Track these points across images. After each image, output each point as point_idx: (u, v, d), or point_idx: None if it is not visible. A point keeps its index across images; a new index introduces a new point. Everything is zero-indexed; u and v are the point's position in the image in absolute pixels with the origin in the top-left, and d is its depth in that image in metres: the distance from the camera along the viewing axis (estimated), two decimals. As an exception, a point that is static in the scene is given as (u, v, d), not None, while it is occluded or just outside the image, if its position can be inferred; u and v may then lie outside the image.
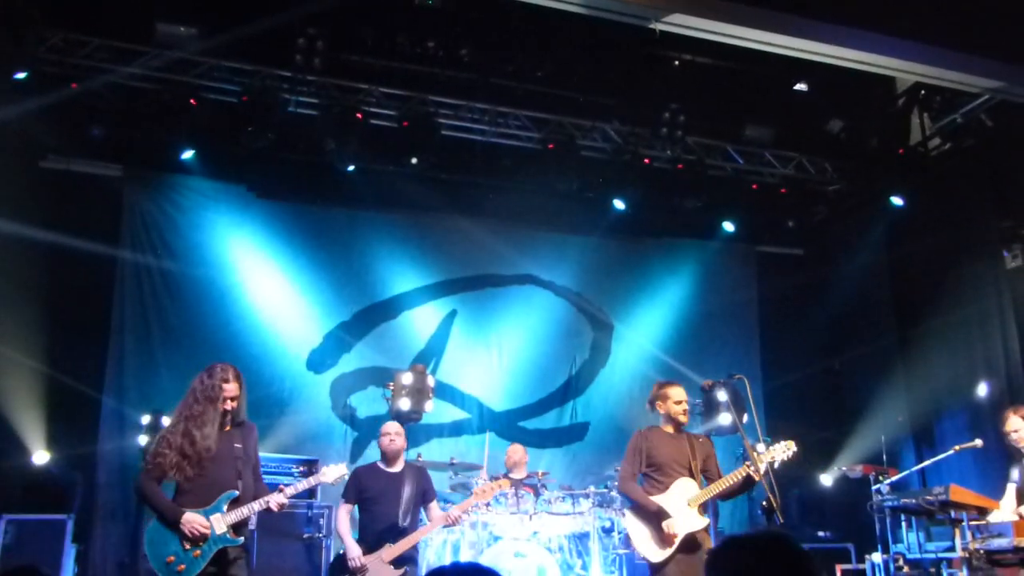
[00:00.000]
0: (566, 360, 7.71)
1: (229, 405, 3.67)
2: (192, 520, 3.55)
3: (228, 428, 3.72)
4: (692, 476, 3.95)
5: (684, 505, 3.87)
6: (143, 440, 5.79)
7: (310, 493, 5.84)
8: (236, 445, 3.71)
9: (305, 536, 5.62)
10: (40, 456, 6.05)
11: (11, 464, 5.85)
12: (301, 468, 5.93)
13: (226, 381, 3.65)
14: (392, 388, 6.44)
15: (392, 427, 4.89)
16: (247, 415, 3.82)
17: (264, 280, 7.06)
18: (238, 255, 6.98)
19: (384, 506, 4.63)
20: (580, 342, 7.76)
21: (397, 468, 4.79)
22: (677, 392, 4.14)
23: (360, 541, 4.53)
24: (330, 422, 7.16)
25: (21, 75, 5.57)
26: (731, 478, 3.89)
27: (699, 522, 3.88)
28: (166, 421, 4.05)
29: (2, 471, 5.77)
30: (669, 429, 4.11)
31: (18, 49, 5.55)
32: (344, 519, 4.69)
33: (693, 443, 4.07)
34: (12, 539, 5.19)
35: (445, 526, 4.59)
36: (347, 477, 4.55)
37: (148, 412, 5.87)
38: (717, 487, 3.91)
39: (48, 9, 5.70)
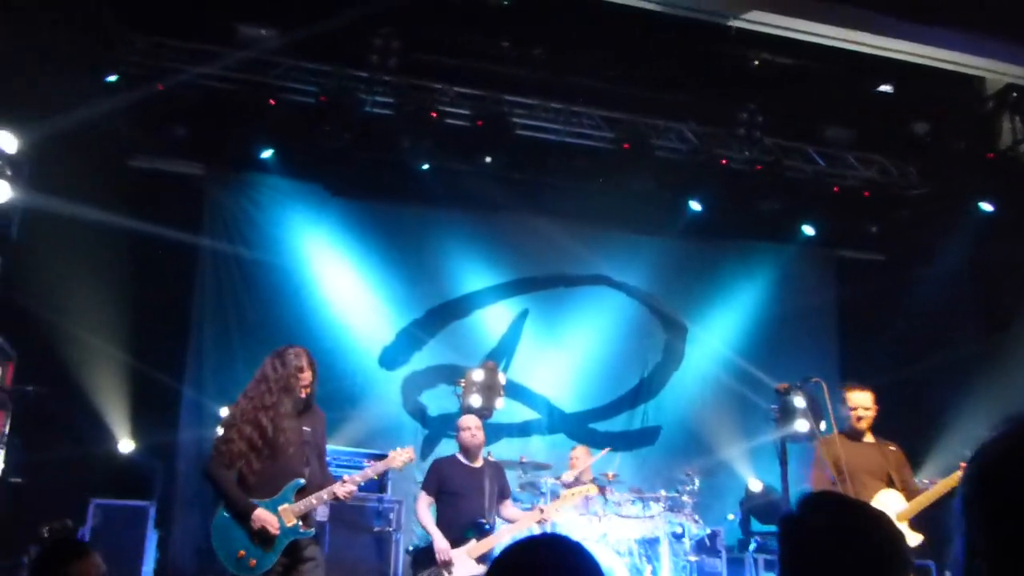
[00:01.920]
0: (638, 362, 8.00)
1: (304, 393, 3.76)
2: (264, 518, 3.60)
3: (299, 414, 3.78)
4: (891, 487, 4.01)
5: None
6: (220, 431, 5.76)
7: (380, 486, 6.06)
8: (305, 429, 3.76)
9: (376, 530, 5.84)
10: (125, 444, 6.46)
11: (98, 451, 6.23)
12: (371, 462, 5.85)
13: (301, 370, 3.71)
14: (463, 385, 6.73)
15: (472, 421, 5.10)
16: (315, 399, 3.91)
17: (338, 277, 7.37)
18: (314, 252, 7.29)
19: (468, 501, 4.83)
20: (653, 344, 8.04)
21: (478, 463, 4.99)
22: (854, 397, 4.21)
23: (445, 532, 4.74)
24: (400, 419, 7.48)
25: (112, 78, 6.07)
26: (944, 486, 3.83)
27: (915, 539, 3.85)
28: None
29: (91, 457, 6.12)
30: (860, 434, 4.10)
31: (108, 53, 6.05)
32: (426, 510, 4.88)
33: (885, 452, 4.09)
34: (100, 522, 5.56)
35: (537, 523, 4.80)
36: (416, 462, 4.70)
37: (225, 404, 5.68)
38: (928, 498, 3.86)
39: (135, 14, 6.14)
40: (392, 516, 6.01)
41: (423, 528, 4.98)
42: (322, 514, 5.48)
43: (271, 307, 7.18)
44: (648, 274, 8.00)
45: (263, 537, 3.61)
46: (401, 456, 4.10)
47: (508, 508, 5.04)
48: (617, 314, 7.99)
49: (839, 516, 1.29)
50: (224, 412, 5.91)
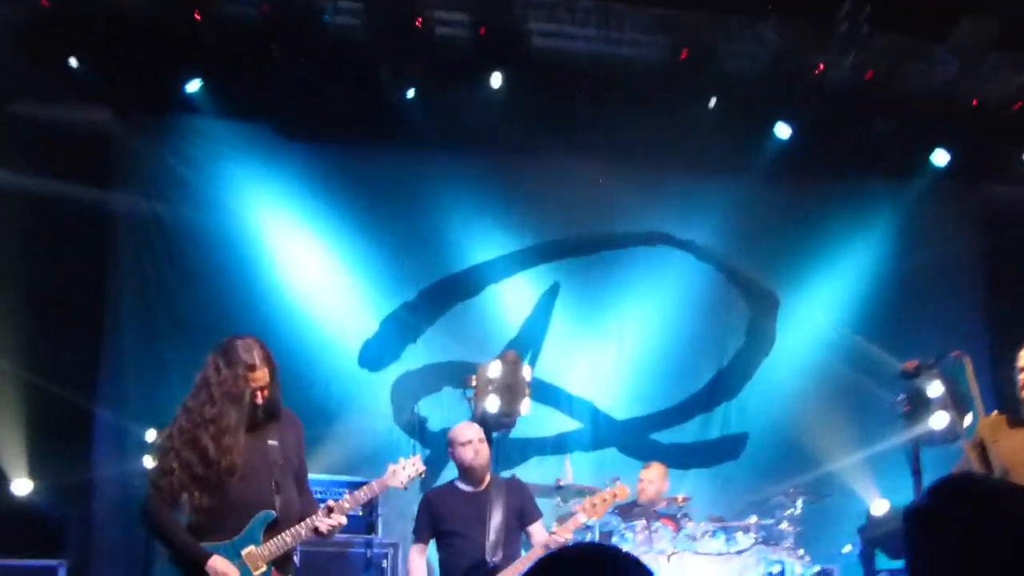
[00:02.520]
0: (713, 349, 7.81)
1: (260, 398, 3.76)
2: (221, 570, 3.63)
3: (258, 425, 3.80)
4: None
5: None
6: (149, 463, 5.58)
7: (368, 525, 6.15)
8: (270, 443, 3.79)
9: None
10: (21, 485, 6.48)
11: (-15, 495, 6.26)
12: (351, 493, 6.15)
13: (252, 367, 3.70)
14: (475, 385, 6.69)
15: (470, 430, 5.08)
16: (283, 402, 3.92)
17: (299, 249, 7.26)
18: (264, 217, 7.15)
19: (467, 539, 4.89)
20: (732, 323, 7.84)
21: (482, 486, 5.04)
22: None
23: None
24: (392, 436, 7.43)
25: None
26: None
27: None
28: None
29: (-25, 504, 6.22)
30: None
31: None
32: (418, 564, 4.96)
33: None
34: (-9, 589, 5.58)
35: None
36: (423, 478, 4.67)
37: (154, 426, 6.03)
38: None
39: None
40: (385, 565, 6.08)
41: None
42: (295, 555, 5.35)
43: (211, 296, 7.11)
44: (722, 228, 7.74)
45: None
46: (406, 470, 4.09)
47: (540, 533, 5.01)
48: (682, 284, 7.78)
49: (984, 504, 1.28)
50: (152, 437, 6.09)
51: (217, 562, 3.61)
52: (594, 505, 4.88)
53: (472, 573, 4.81)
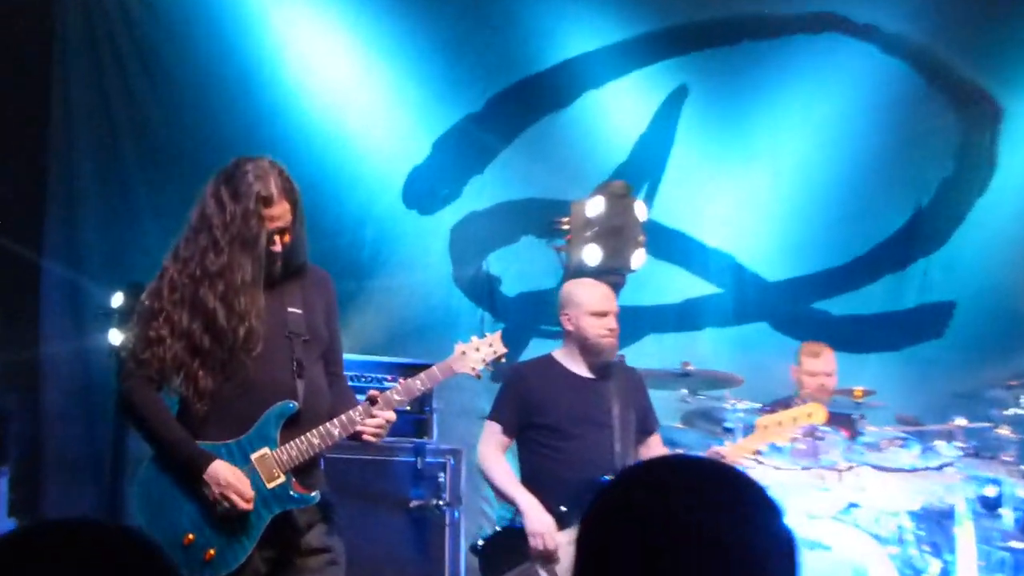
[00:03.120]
0: (908, 181, 7.64)
1: (278, 245, 3.82)
2: (224, 477, 3.72)
3: (275, 284, 3.91)
4: None
5: None
6: (116, 337, 6.18)
7: (418, 427, 6.23)
8: (291, 310, 3.92)
9: (412, 504, 6.07)
10: None
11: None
12: (402, 380, 6.37)
13: (268, 202, 3.74)
14: (567, 227, 6.76)
15: (608, 298, 5.17)
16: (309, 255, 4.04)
17: (322, 44, 7.11)
18: (270, 4, 6.98)
19: (584, 441, 4.99)
20: (934, 145, 7.62)
21: (597, 372, 5.14)
22: None
23: (540, 495, 4.92)
24: (450, 302, 7.49)
25: None
26: None
27: None
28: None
29: None
30: None
31: None
32: (501, 459, 5.08)
33: None
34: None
35: None
36: (497, 370, 4.86)
37: (123, 288, 6.21)
38: None
39: None
40: (442, 479, 6.15)
41: (497, 493, 5.15)
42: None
43: (196, 108, 6.94)
44: (920, 10, 7.40)
45: (227, 510, 3.69)
46: (480, 352, 4.10)
47: (655, 449, 5.24)
48: (862, 88, 7.45)
49: None
50: (119, 302, 6.21)
51: (220, 469, 3.68)
52: (780, 425, 4.96)
53: (585, 492, 4.52)
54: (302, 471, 3.81)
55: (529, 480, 5.07)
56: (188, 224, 3.86)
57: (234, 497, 3.68)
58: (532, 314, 7.46)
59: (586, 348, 5.16)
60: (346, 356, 6.04)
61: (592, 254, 6.75)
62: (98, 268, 6.75)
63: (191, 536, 3.71)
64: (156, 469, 3.80)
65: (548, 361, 5.29)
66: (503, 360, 4.22)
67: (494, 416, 5.19)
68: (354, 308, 6.86)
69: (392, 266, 7.44)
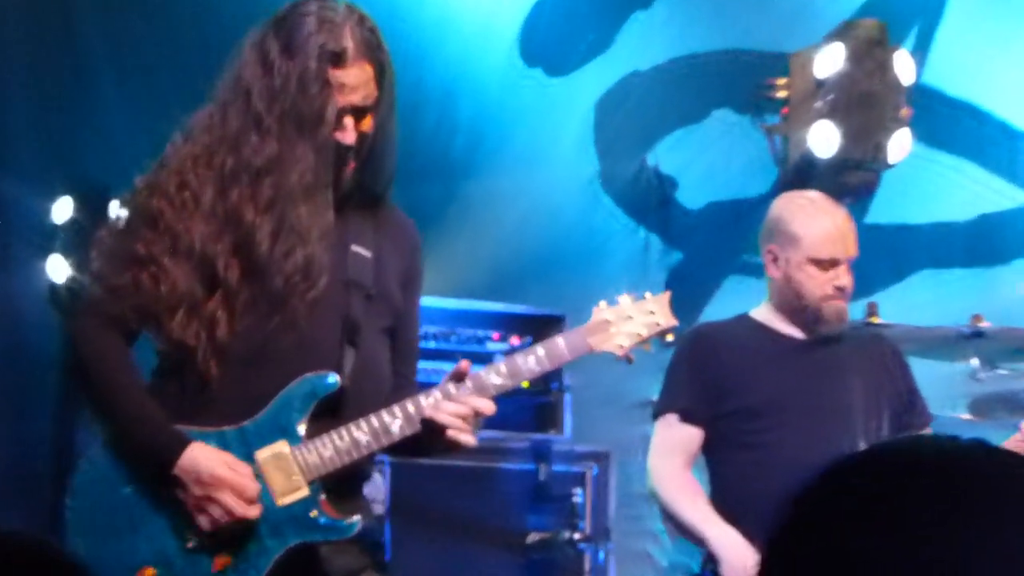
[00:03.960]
0: None
1: (350, 132, 3.85)
2: (213, 472, 3.75)
3: (334, 208, 4.01)
4: None
5: None
6: (58, 268, 6.57)
7: (542, 416, 6.54)
8: (355, 251, 3.99)
9: (531, 539, 6.31)
10: None
11: None
12: (516, 339, 6.59)
13: (337, 59, 3.80)
14: (785, 92, 7.07)
15: (829, 225, 5.22)
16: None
17: None
18: None
19: (804, 433, 5.08)
20: None
21: (820, 335, 5.26)
22: None
23: (740, 523, 4.96)
24: (595, 218, 7.77)
25: None
26: None
27: None
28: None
29: None
30: None
31: None
32: (682, 474, 5.19)
33: None
34: None
35: None
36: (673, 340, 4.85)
37: (72, 195, 6.63)
38: None
39: None
40: (578, 499, 6.45)
41: (676, 526, 5.30)
42: (376, 483, 6.02)
43: None
44: None
45: (215, 524, 3.75)
46: (633, 320, 4.14)
47: None
48: None
49: None
50: (64, 215, 6.72)
51: (203, 457, 3.74)
52: None
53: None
54: (338, 485, 3.86)
55: (723, 500, 5.19)
56: (214, 96, 3.94)
57: (227, 500, 3.68)
58: (728, 238, 7.69)
59: (798, 310, 5.25)
60: (429, 301, 6.21)
61: (825, 138, 6.85)
62: (31, 167, 7.07)
63: (151, 572, 3.76)
64: (106, 463, 3.85)
65: (745, 323, 5.45)
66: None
67: (669, 403, 5.30)
68: (442, 227, 7.11)
69: (501, 160, 7.63)
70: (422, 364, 6.54)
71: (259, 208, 3.86)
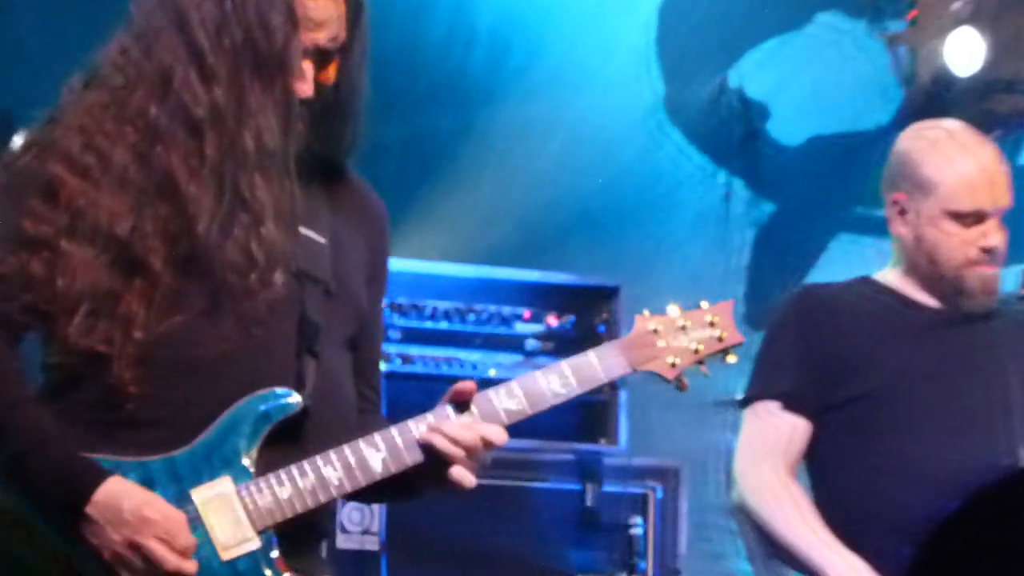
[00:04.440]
0: None
1: (308, 82, 3.74)
2: (138, 511, 3.60)
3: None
4: None
5: None
6: None
7: (590, 421, 6.76)
8: (309, 236, 3.91)
9: None
10: None
11: None
12: (553, 318, 6.88)
13: None
14: None
15: (974, 167, 5.20)
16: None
17: None
18: None
19: (945, 426, 5.09)
20: None
21: (963, 310, 5.27)
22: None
23: (859, 548, 4.96)
24: (658, 158, 8.00)
25: None
26: None
27: None
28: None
29: None
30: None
31: None
32: (784, 484, 5.16)
33: None
34: None
35: None
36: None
37: None
38: None
39: None
40: (637, 530, 6.61)
41: (779, 551, 5.24)
42: (367, 521, 6.54)
43: None
44: None
45: None
46: (687, 335, 3.99)
47: None
48: None
49: None
50: None
51: (122, 493, 3.56)
52: None
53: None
54: (296, 537, 3.60)
55: (834, 517, 5.05)
56: (130, 23, 3.72)
57: (156, 549, 3.46)
58: (836, 184, 7.93)
59: (932, 278, 5.16)
60: (439, 268, 6.88)
61: (966, 50, 6.96)
62: None
63: None
64: None
65: (868, 286, 5.34)
66: (731, 356, 3.91)
67: (766, 387, 5.19)
68: (455, 168, 7.49)
69: (532, 81, 7.80)
70: (430, 351, 6.84)
71: (197, 174, 3.63)
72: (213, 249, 3.61)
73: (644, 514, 6.62)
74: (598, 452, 6.67)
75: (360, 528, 6.67)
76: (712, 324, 3.87)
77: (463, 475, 3.56)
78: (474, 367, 6.89)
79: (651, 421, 6.98)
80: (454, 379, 6.36)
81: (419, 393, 6.07)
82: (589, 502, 6.56)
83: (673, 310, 3.86)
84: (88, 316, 3.61)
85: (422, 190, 7.55)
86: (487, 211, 7.61)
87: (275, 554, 3.57)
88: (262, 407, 3.62)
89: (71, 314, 3.58)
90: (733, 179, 8.16)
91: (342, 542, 6.50)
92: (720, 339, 3.84)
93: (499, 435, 3.58)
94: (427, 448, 3.57)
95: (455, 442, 3.56)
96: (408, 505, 6.03)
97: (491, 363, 6.92)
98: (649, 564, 6.56)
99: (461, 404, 3.62)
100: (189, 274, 3.63)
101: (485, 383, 5.79)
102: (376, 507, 6.48)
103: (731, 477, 5.29)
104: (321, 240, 3.82)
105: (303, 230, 3.78)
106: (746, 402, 5.22)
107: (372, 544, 6.47)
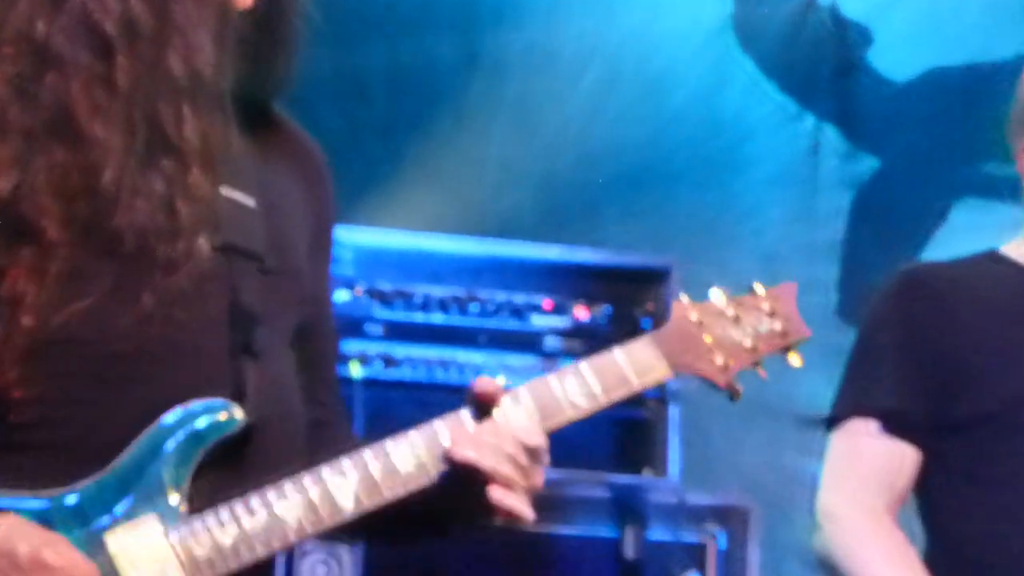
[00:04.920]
0: None
1: None
2: (34, 555, 3.42)
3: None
4: None
5: None
6: None
7: (629, 445, 7.05)
8: (232, 198, 3.79)
9: None
10: None
11: None
12: (583, 308, 7.07)
13: None
14: None
15: None
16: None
17: None
18: None
19: None
20: None
21: None
22: None
23: None
24: (721, 99, 8.25)
25: None
26: None
27: None
28: None
29: None
30: None
31: None
32: (883, 530, 5.07)
33: None
34: None
35: None
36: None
37: None
38: None
39: None
40: None
41: None
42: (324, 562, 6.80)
43: None
44: None
45: None
46: (741, 328, 3.82)
47: None
48: None
49: None
50: None
51: (15, 531, 3.41)
52: None
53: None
54: None
55: (951, 568, 4.84)
56: None
57: None
58: (956, 131, 7.95)
59: None
60: (434, 242, 7.23)
61: None
62: None
63: None
64: None
65: (995, 265, 5.05)
66: (793, 356, 3.59)
67: (861, 401, 4.88)
68: (458, 111, 7.59)
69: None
70: (421, 351, 6.80)
71: (103, 109, 3.41)
72: (124, 207, 3.37)
73: (703, 569, 6.56)
74: (641, 486, 6.59)
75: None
76: (771, 314, 3.56)
77: (511, 500, 3.12)
78: (477, 372, 6.07)
79: (711, 445, 6.99)
80: (450, 388, 6.54)
81: (406, 404, 6.41)
82: (629, 553, 6.45)
83: (719, 295, 3.52)
84: None
85: (413, 140, 7.45)
86: (497, 168, 7.59)
87: None
88: (193, 425, 3.40)
89: None
90: (823, 125, 8.18)
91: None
92: (782, 333, 3.55)
93: (542, 440, 3.23)
94: (451, 466, 3.21)
95: (498, 455, 3.21)
96: (393, 558, 6.34)
97: (499, 367, 6.62)
98: (711, 637, 6.42)
99: (482, 407, 3.26)
100: (93, 242, 3.38)
101: (491, 394, 5.70)
102: (349, 559, 6.40)
103: (814, 519, 4.81)
104: (249, 203, 3.60)
105: (225, 191, 3.55)
106: (835, 421, 4.86)
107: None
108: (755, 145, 8.14)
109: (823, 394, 5.01)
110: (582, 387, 3.39)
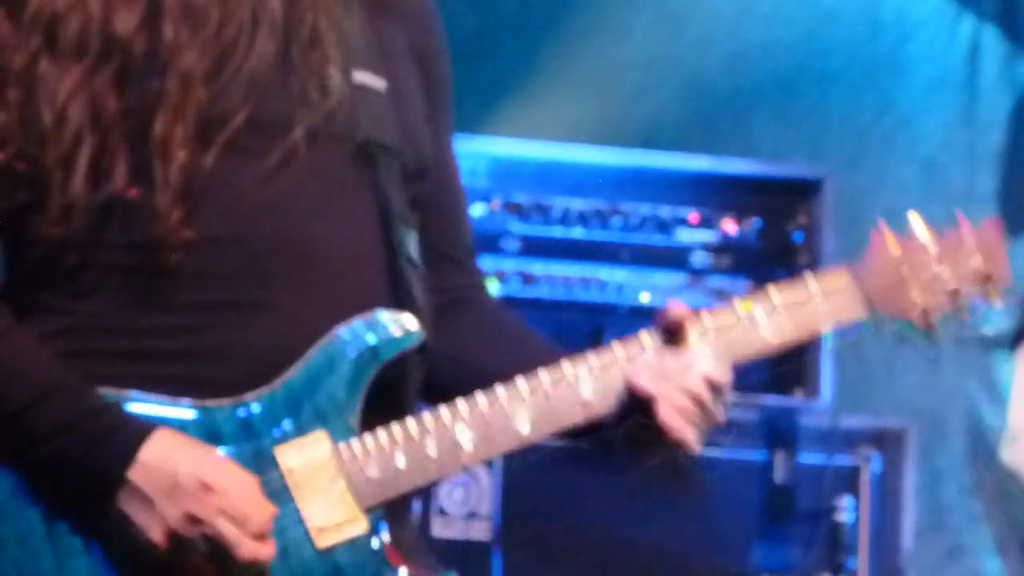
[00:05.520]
0: None
1: None
2: (202, 476, 3.50)
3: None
4: None
5: None
6: None
7: (786, 364, 6.83)
8: (361, 78, 3.76)
9: None
10: None
11: None
12: (731, 222, 7.04)
13: None
14: None
15: None
16: None
17: None
18: None
19: None
20: None
21: None
22: None
23: None
24: (875, 4, 8.13)
25: None
26: None
27: None
28: None
29: None
30: None
31: None
32: None
33: None
34: None
35: None
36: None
37: None
38: None
39: None
40: (845, 518, 6.73)
41: None
42: (476, 502, 6.78)
43: None
44: None
45: (205, 561, 3.43)
46: (942, 265, 3.74)
47: None
48: None
49: None
50: None
51: (172, 446, 3.42)
52: None
53: None
54: (396, 515, 3.53)
55: None
56: None
57: (222, 525, 3.29)
58: None
59: None
60: (567, 153, 7.15)
61: None
62: None
63: None
64: None
65: None
66: (996, 299, 3.60)
67: None
68: (597, 9, 7.61)
69: None
70: (560, 268, 6.82)
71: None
72: (249, 94, 3.35)
73: (856, 493, 6.56)
74: (792, 408, 6.58)
75: (465, 510, 6.59)
76: (975, 253, 3.46)
77: (686, 432, 3.15)
78: (619, 290, 6.57)
79: (866, 365, 6.93)
80: (590, 306, 6.36)
81: (544, 324, 5.96)
82: (779, 477, 6.52)
83: (921, 227, 3.42)
84: (87, 168, 3.30)
85: (549, 40, 7.37)
86: (639, 73, 7.46)
87: (387, 538, 3.41)
88: (369, 340, 3.43)
89: (69, 162, 3.34)
90: (984, 25, 8.00)
91: (439, 528, 6.39)
92: (987, 276, 3.44)
93: (721, 372, 3.24)
94: (631, 395, 3.23)
95: (684, 392, 3.22)
96: (533, 483, 6.38)
97: (644, 285, 6.60)
98: (862, 562, 6.51)
99: (670, 337, 3.29)
100: (231, 81, 3.39)
101: (635, 312, 5.56)
102: (488, 482, 6.47)
103: (1005, 435, 5.43)
104: (379, 84, 3.63)
105: (357, 74, 3.56)
106: (1020, 338, 5.27)
107: (481, 533, 6.43)
108: (911, 48, 7.98)
109: (981, 312, 5.08)
110: (772, 321, 3.37)
